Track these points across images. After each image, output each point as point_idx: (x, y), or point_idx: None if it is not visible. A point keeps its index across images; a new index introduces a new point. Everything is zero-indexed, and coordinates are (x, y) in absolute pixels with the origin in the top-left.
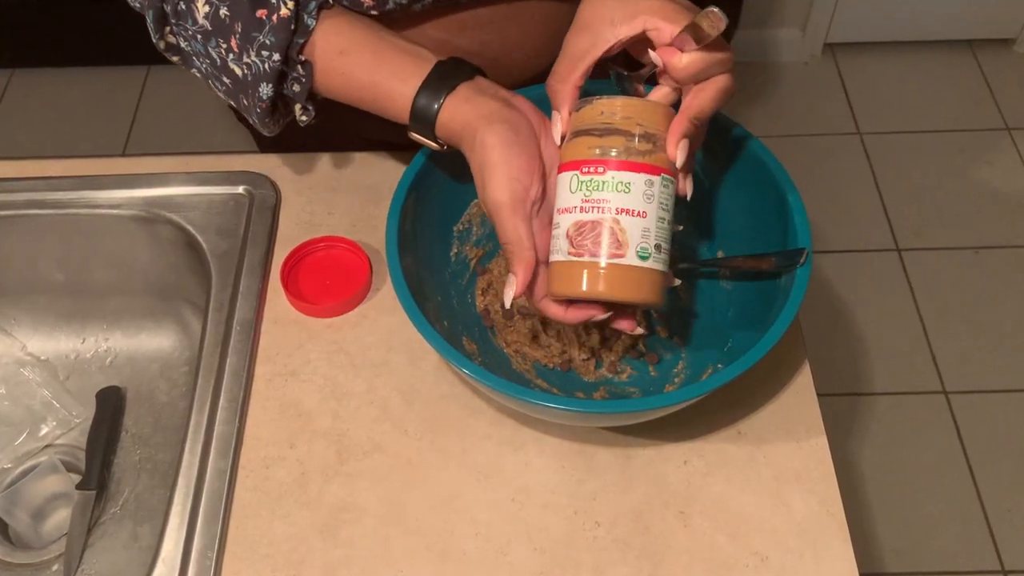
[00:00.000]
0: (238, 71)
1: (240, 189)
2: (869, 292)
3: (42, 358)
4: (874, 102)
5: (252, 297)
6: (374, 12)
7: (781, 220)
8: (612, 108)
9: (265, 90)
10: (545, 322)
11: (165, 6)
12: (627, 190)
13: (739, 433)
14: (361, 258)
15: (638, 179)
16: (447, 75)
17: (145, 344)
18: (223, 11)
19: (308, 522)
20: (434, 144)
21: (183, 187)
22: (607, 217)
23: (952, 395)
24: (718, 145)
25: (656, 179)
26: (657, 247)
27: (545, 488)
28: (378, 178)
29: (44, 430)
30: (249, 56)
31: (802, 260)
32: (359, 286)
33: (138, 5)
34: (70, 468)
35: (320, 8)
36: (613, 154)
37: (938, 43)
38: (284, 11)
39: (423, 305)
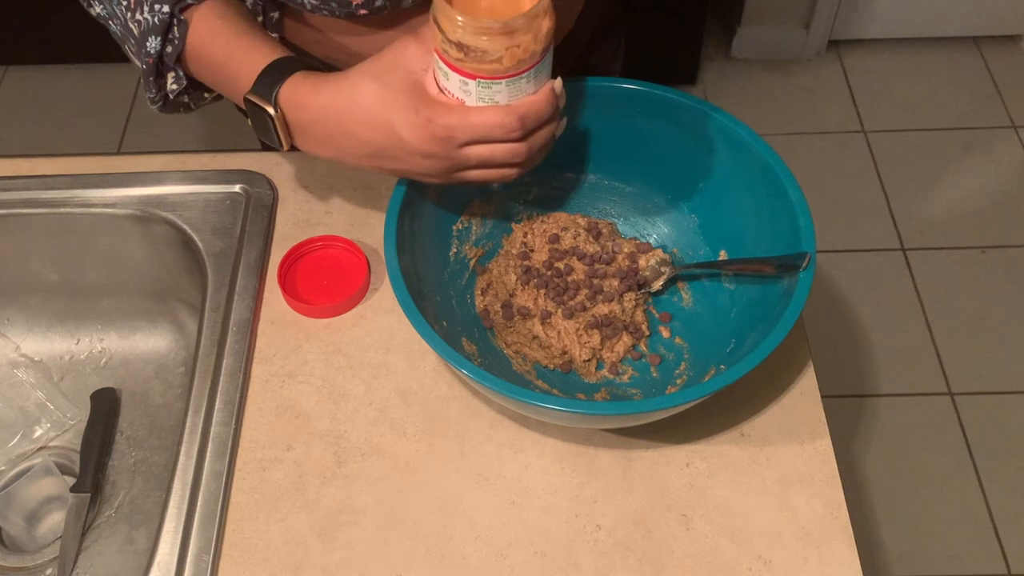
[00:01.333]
0: (135, 29)
1: (236, 188)
2: (874, 292)
3: (36, 359)
4: (879, 100)
5: (248, 297)
6: (363, 12)
7: (785, 220)
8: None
9: (153, 43)
10: (546, 323)
11: None
12: None
13: (742, 435)
14: (359, 258)
15: None
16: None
17: (140, 345)
18: None
19: (305, 525)
20: (269, 107)
21: (178, 186)
22: None
23: (958, 396)
24: (721, 143)
25: None
26: None
27: (546, 491)
28: (376, 177)
29: (38, 432)
30: (143, 12)
31: (804, 264)
32: (357, 286)
33: None
34: (64, 470)
35: None
36: None
37: (943, 40)
38: None
39: (422, 305)
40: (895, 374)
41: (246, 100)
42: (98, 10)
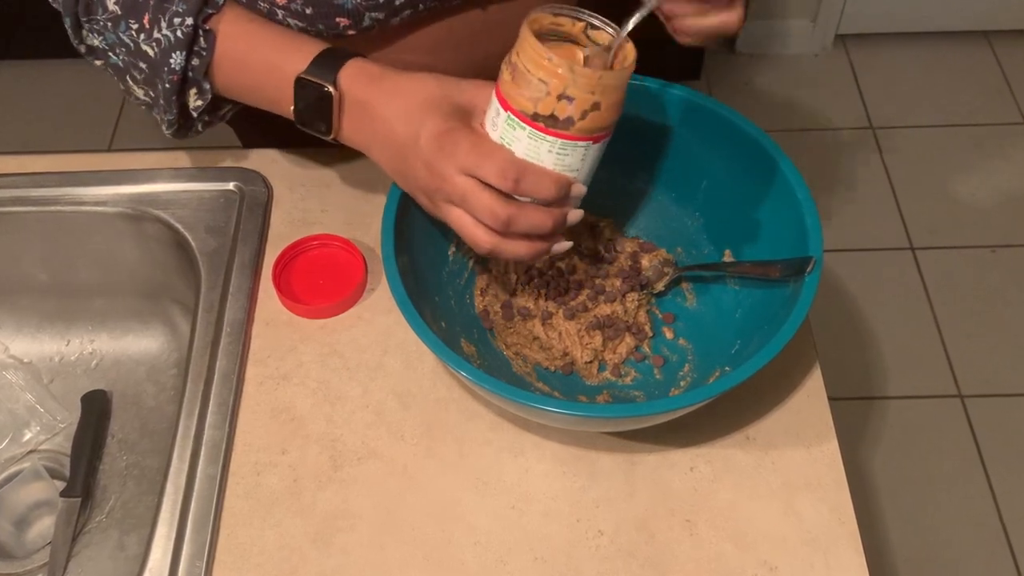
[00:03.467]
0: (150, 51)
1: (230, 185)
2: (882, 292)
3: (25, 360)
4: (887, 95)
5: (243, 297)
6: (352, 32)
7: (791, 218)
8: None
9: (177, 59)
10: (547, 323)
11: (78, 8)
12: None
13: (747, 438)
14: (356, 257)
15: None
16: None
17: (132, 346)
18: None
19: (301, 530)
20: (329, 90)
21: (171, 183)
22: None
23: (968, 399)
24: (725, 140)
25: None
26: None
27: (546, 495)
28: (373, 174)
29: (27, 435)
30: (161, 30)
31: (809, 269)
32: (353, 286)
33: (58, 6)
34: (54, 475)
35: None
36: None
37: (953, 34)
38: None
39: (420, 306)
40: (903, 376)
41: (299, 81)
42: (96, 42)
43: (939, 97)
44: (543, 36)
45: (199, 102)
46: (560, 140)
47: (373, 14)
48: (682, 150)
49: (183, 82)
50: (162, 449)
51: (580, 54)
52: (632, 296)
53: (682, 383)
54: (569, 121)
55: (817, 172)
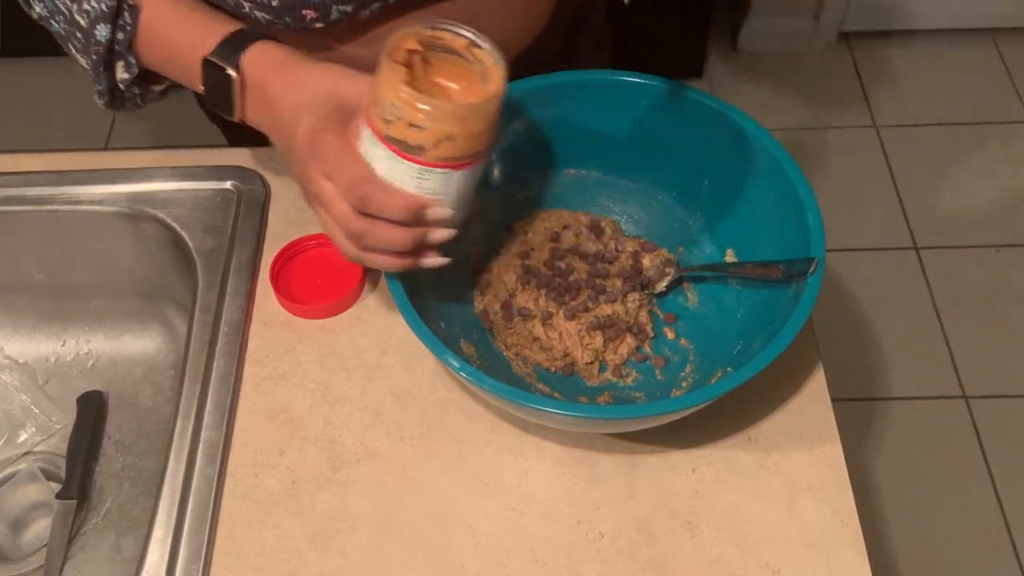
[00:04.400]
0: (82, 22)
1: (227, 184)
2: (885, 292)
3: (20, 361)
4: (891, 94)
5: (240, 297)
6: (319, 25)
7: (794, 218)
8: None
9: (102, 32)
10: (547, 324)
11: None
12: None
13: (749, 440)
14: None
15: None
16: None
17: (128, 346)
18: None
19: (299, 532)
20: (231, 74)
21: (168, 182)
22: None
23: (972, 400)
24: (727, 139)
25: None
26: None
27: (547, 497)
28: None
29: (22, 436)
30: (89, 2)
31: (811, 270)
32: (352, 286)
33: None
34: (50, 476)
35: None
36: None
37: (958, 32)
38: None
39: (419, 306)
40: (907, 376)
41: (205, 63)
42: (38, 10)
43: (943, 95)
44: (430, 47)
45: (126, 75)
46: (416, 165)
47: (341, 7)
48: (684, 149)
49: (110, 54)
50: (159, 450)
51: (455, 77)
52: (633, 296)
53: (684, 384)
54: (420, 148)
55: (820, 171)
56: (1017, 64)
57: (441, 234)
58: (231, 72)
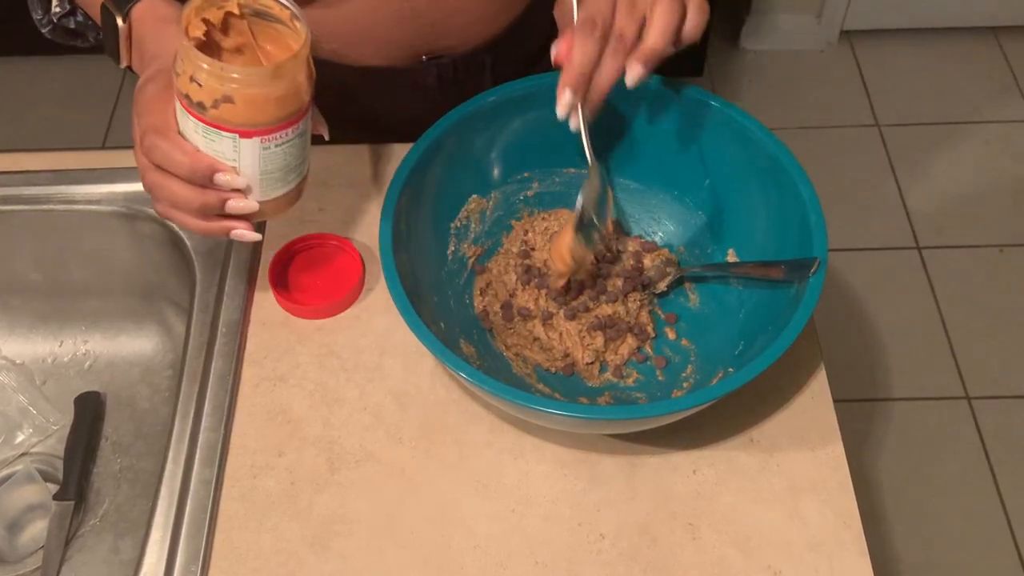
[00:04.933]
0: None
1: None
2: (888, 292)
3: (17, 362)
4: (893, 92)
5: (239, 298)
6: None
7: (796, 217)
8: None
9: None
10: (547, 324)
11: None
12: None
13: (751, 441)
14: (353, 257)
15: None
16: None
17: (126, 347)
18: None
19: (297, 534)
20: (120, 20)
21: None
22: None
23: (975, 401)
24: (729, 137)
25: None
26: None
27: (547, 498)
28: (371, 172)
29: (20, 437)
30: None
31: (813, 270)
32: (351, 286)
33: None
34: (47, 477)
35: None
36: None
37: (961, 30)
38: None
39: (418, 306)
40: (910, 377)
41: (103, 8)
42: None
43: (946, 94)
44: (258, 14)
45: (57, 9)
46: (200, 123)
47: None
48: (685, 148)
49: None
50: (156, 451)
51: (277, 47)
52: (634, 296)
53: (685, 384)
54: (201, 106)
55: (822, 170)
56: (1020, 62)
57: (239, 204)
58: (119, 21)
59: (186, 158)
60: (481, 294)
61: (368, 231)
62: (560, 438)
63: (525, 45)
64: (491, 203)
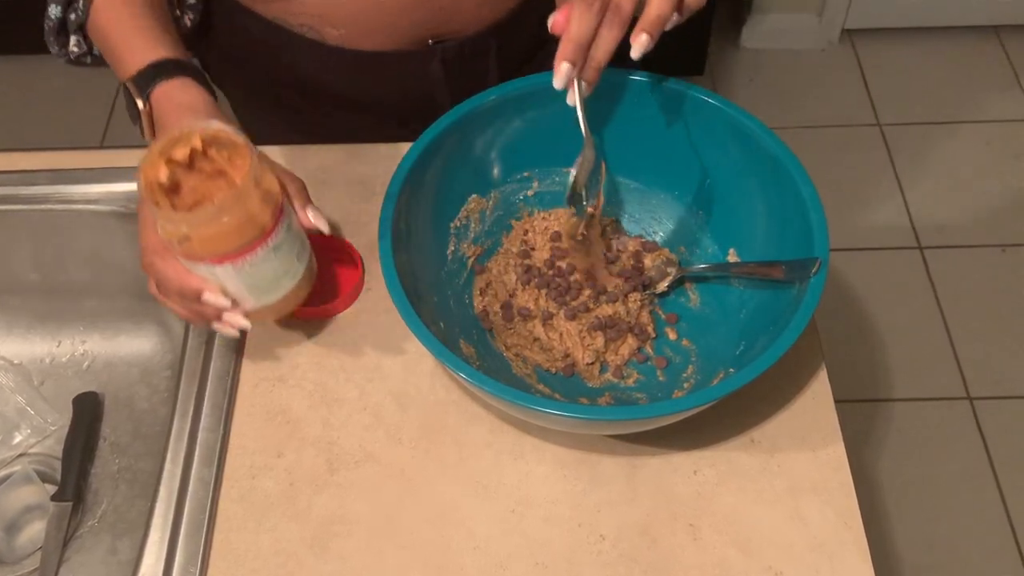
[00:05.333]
0: None
1: None
2: (889, 292)
3: (15, 362)
4: (895, 91)
5: None
6: None
7: (797, 217)
8: None
9: (54, 10)
10: (547, 324)
11: None
12: None
13: (752, 441)
14: (352, 256)
15: None
16: (188, 70)
17: (124, 347)
18: None
19: (297, 535)
20: (139, 105)
21: None
22: None
23: (977, 401)
24: (730, 137)
25: None
26: None
27: (547, 499)
28: (370, 171)
29: (17, 438)
30: None
31: (815, 270)
32: (350, 286)
33: None
34: (45, 478)
35: None
36: None
37: (962, 29)
38: None
39: (418, 306)
40: (911, 377)
41: (124, 85)
42: None
43: (947, 93)
44: (218, 143)
45: (76, 49)
46: (178, 255)
47: None
48: (686, 147)
49: (62, 29)
50: (155, 452)
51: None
52: (634, 296)
53: (685, 385)
54: (171, 243)
55: (823, 170)
56: (1022, 60)
57: (231, 318)
58: (139, 102)
59: (177, 280)
60: (481, 294)
61: (367, 231)
62: (560, 439)
63: (529, 27)
64: (491, 202)
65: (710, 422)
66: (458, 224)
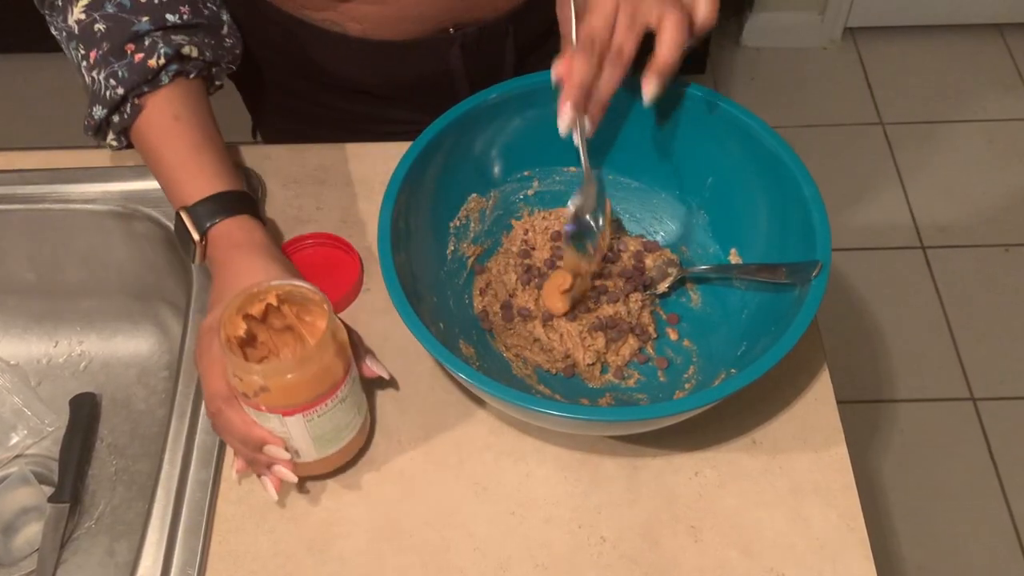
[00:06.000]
0: (87, 78)
1: None
2: (892, 292)
3: (12, 363)
4: (897, 90)
5: None
6: None
7: (798, 217)
8: None
9: (99, 111)
10: (548, 324)
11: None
12: None
13: (753, 442)
14: (351, 256)
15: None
16: (246, 204)
17: (121, 348)
18: (99, 26)
19: (295, 537)
20: (195, 238)
21: None
22: None
23: (980, 402)
24: (731, 136)
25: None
26: None
27: (547, 501)
28: (369, 171)
29: (14, 439)
30: (100, 73)
31: (816, 273)
32: (349, 286)
33: None
34: (42, 480)
35: (178, 75)
36: None
37: (965, 27)
38: (152, 61)
39: (417, 306)
40: (914, 378)
41: (178, 213)
42: (54, 32)
43: (950, 92)
44: (283, 295)
45: (114, 144)
46: (248, 407)
47: None
48: (687, 146)
49: (101, 126)
50: (153, 453)
51: (309, 327)
52: (635, 297)
53: (687, 386)
54: (245, 395)
55: (825, 169)
56: None
57: (283, 472)
58: (195, 237)
59: (243, 429)
60: (481, 294)
61: (366, 230)
62: (561, 440)
63: (544, 10)
64: (491, 202)
65: (711, 423)
66: (458, 224)
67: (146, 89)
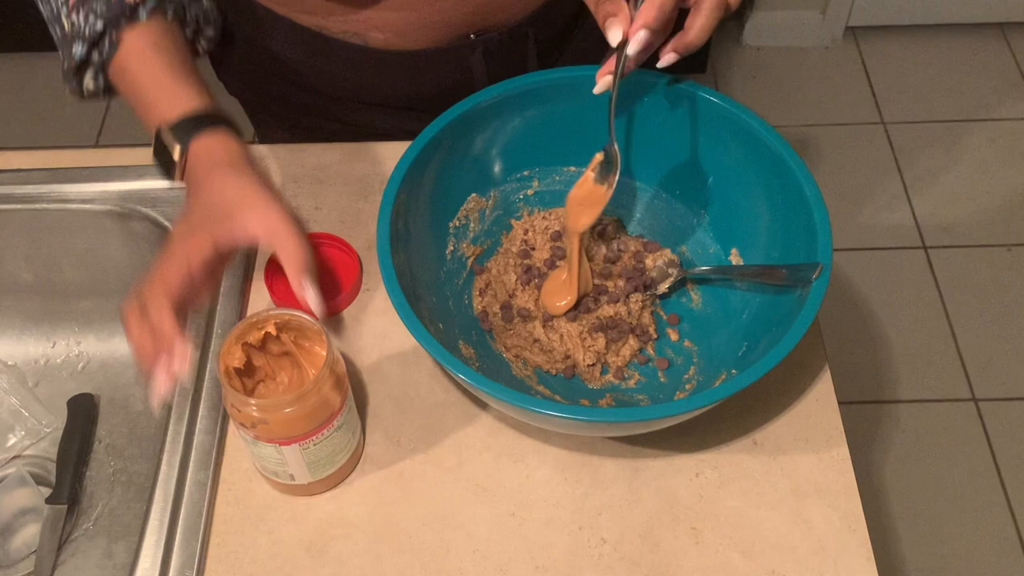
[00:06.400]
0: (65, 25)
1: None
2: (893, 292)
3: (9, 363)
4: (899, 90)
5: (234, 298)
6: None
7: (800, 217)
8: None
9: (79, 49)
10: (548, 325)
11: None
12: None
13: (754, 443)
14: (350, 256)
15: None
16: (226, 121)
17: (119, 348)
18: None
19: (294, 538)
20: (176, 153)
21: (160, 180)
22: None
23: (982, 403)
24: (732, 136)
25: None
26: None
27: (547, 502)
28: (368, 170)
29: (12, 440)
30: (78, 14)
31: (816, 274)
32: (348, 286)
33: None
34: (39, 481)
35: (155, 11)
36: None
37: (967, 26)
38: None
39: (417, 306)
40: (916, 379)
41: (158, 131)
42: None
43: (952, 91)
44: (282, 325)
45: (91, 86)
46: (245, 435)
47: None
48: (687, 146)
49: (81, 66)
50: (151, 454)
51: (309, 357)
52: (636, 297)
53: (687, 386)
54: (242, 425)
55: (826, 168)
56: None
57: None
58: (176, 153)
59: (155, 315)
60: (480, 294)
61: (366, 231)
62: (561, 441)
63: (564, 12)
64: (490, 202)
65: (712, 424)
66: (457, 224)
67: (124, 23)
